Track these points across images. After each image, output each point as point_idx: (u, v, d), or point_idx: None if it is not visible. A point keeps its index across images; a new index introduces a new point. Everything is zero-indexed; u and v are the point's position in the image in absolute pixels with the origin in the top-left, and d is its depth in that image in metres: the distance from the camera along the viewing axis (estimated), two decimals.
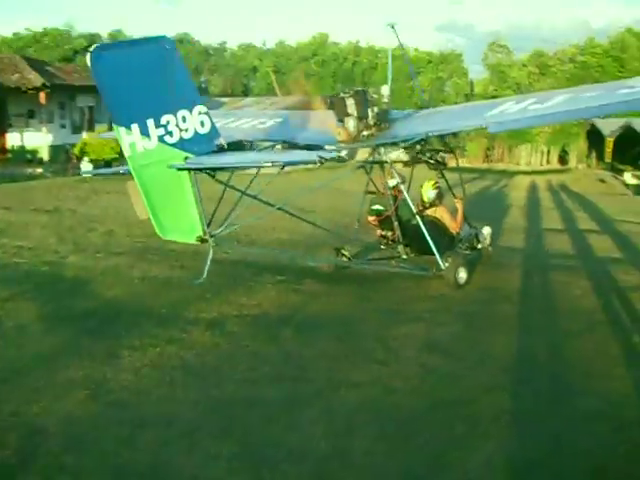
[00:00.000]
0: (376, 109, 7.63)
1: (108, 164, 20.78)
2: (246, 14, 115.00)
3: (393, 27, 8.39)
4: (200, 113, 6.30)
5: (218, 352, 5.44)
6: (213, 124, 6.44)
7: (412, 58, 65.04)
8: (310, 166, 7.23)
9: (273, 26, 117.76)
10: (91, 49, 5.69)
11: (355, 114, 7.49)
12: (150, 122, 5.94)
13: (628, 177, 29.80)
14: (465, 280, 7.62)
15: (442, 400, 4.56)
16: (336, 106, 7.67)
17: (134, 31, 78.53)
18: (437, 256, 7.52)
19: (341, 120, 7.61)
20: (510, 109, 7.12)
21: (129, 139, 5.85)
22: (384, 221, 7.95)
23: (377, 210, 7.98)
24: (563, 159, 56.57)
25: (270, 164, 6.03)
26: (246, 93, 60.93)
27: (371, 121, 7.56)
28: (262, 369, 5.08)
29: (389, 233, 7.99)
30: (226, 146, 6.44)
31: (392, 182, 7.85)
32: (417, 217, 7.67)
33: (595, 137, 46.75)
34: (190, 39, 65.25)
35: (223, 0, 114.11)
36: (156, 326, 5.97)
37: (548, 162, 57.22)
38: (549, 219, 15.66)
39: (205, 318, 6.29)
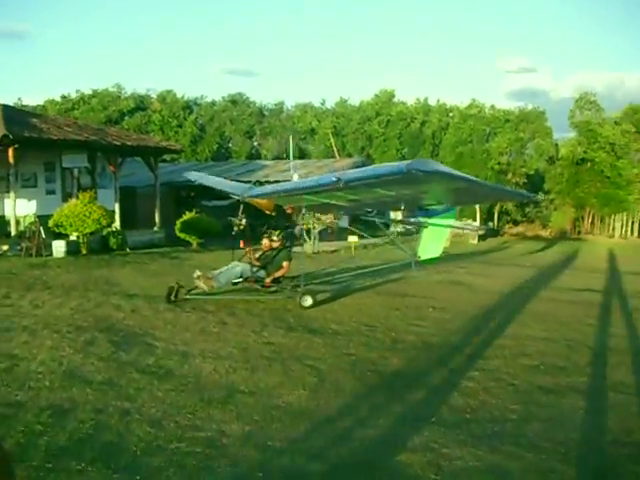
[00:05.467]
0: None
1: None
2: (305, 72, 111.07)
3: None
4: None
5: None
6: None
7: (487, 117, 58.47)
8: None
9: (334, 84, 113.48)
10: None
11: None
12: None
13: None
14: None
15: None
16: None
17: (186, 91, 75.46)
18: None
19: None
20: None
21: None
22: None
23: None
24: None
25: None
26: (303, 157, 55.64)
27: None
28: None
29: None
30: None
31: None
32: None
33: None
34: (244, 100, 61.12)
35: (280, 59, 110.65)
36: None
37: None
38: None
39: None
